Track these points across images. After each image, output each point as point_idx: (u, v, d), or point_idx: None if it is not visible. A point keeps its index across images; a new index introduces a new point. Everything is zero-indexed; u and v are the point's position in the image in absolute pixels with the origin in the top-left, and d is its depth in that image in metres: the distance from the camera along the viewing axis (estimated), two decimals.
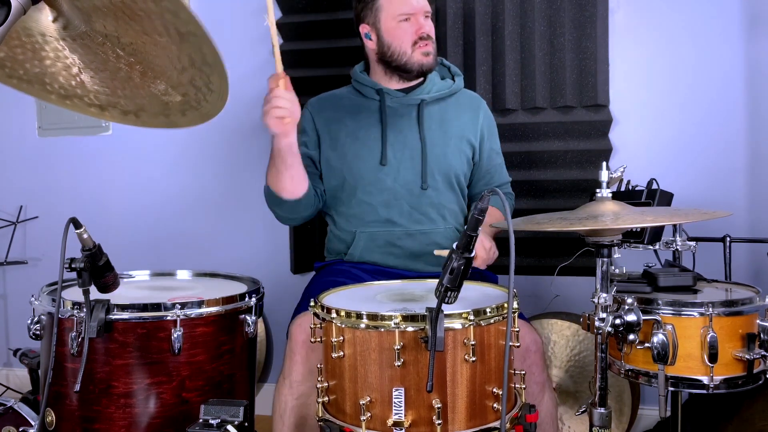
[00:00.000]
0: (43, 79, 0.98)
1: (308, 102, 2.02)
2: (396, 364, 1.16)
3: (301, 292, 1.96)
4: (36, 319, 1.53)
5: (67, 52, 0.94)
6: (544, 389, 1.68)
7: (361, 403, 1.18)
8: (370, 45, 1.93)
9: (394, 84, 1.94)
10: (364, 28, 1.93)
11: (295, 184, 1.80)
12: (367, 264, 1.89)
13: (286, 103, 1.61)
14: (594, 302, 1.35)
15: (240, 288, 1.68)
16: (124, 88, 0.99)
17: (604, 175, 1.39)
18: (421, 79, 1.95)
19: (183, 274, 1.88)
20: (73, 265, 1.33)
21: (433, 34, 1.89)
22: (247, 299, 1.58)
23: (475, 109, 1.99)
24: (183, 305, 1.46)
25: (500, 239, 2.35)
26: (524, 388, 1.32)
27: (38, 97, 1.02)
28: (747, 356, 1.46)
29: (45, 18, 0.88)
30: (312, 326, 1.30)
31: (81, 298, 1.39)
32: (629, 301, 1.37)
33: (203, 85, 0.95)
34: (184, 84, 0.96)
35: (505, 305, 1.24)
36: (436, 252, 1.64)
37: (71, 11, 0.87)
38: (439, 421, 1.16)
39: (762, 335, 1.48)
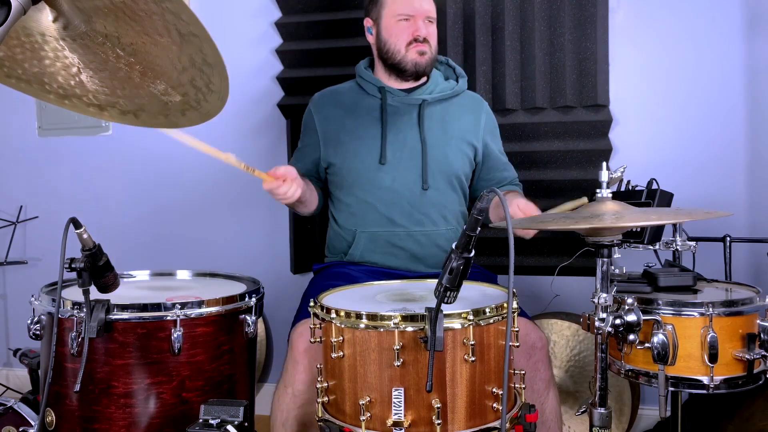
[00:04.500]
0: (42, 78, 0.98)
1: (312, 98, 2.04)
2: (395, 364, 1.16)
3: (301, 292, 1.96)
4: (36, 319, 1.52)
5: (67, 51, 0.93)
6: (549, 386, 1.68)
7: (360, 403, 1.18)
8: (371, 40, 1.96)
9: (395, 83, 1.94)
10: (367, 22, 1.96)
11: (309, 207, 1.96)
12: (367, 265, 1.89)
13: (283, 192, 1.71)
14: (594, 302, 1.35)
15: (240, 288, 1.68)
16: (123, 87, 0.99)
17: (604, 176, 1.38)
18: (424, 79, 1.95)
19: (183, 274, 1.88)
20: (73, 265, 1.33)
21: (432, 40, 1.90)
22: (247, 299, 1.58)
23: (477, 111, 1.99)
24: (183, 305, 1.46)
25: (501, 239, 2.36)
26: (524, 388, 1.32)
27: (37, 96, 1.02)
28: (747, 356, 1.46)
29: (45, 18, 0.88)
30: (312, 326, 1.30)
31: (81, 298, 1.39)
32: (629, 301, 1.37)
33: (203, 85, 0.94)
34: (184, 84, 0.95)
35: (505, 305, 1.24)
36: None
37: (71, 11, 0.86)
38: (439, 421, 1.16)
39: (762, 335, 1.48)
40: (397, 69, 1.90)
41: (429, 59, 1.90)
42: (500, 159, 2.02)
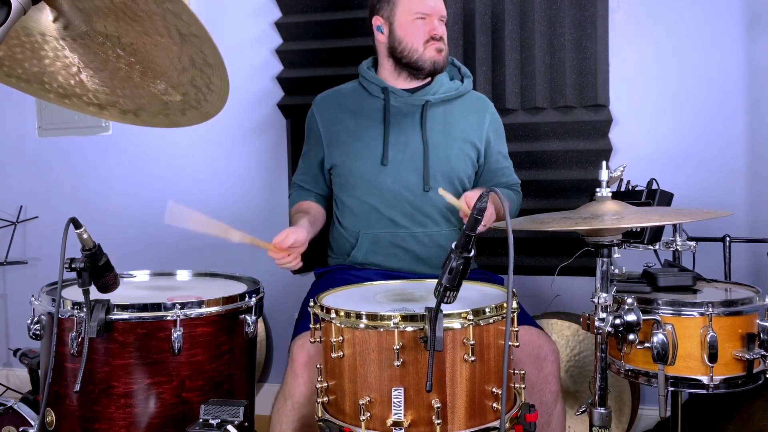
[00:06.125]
0: (42, 78, 0.98)
1: (314, 100, 2.03)
2: (395, 364, 1.16)
3: (301, 291, 1.96)
4: (36, 319, 1.52)
5: (67, 51, 0.93)
6: (558, 399, 1.67)
7: (360, 403, 1.18)
8: (381, 38, 1.92)
9: (401, 82, 1.93)
10: (377, 21, 1.92)
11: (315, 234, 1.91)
12: (370, 269, 1.88)
13: (287, 262, 1.73)
14: (594, 302, 1.35)
15: (240, 288, 1.68)
16: (123, 87, 0.99)
17: (603, 175, 1.39)
18: (429, 79, 1.95)
19: (183, 274, 1.88)
20: (73, 265, 1.33)
21: (445, 38, 1.90)
22: (247, 299, 1.58)
23: (481, 111, 1.97)
24: (183, 305, 1.46)
25: (500, 239, 2.36)
26: (524, 388, 1.32)
27: (37, 96, 1.02)
28: (747, 356, 1.46)
29: (45, 18, 0.88)
30: (312, 326, 1.30)
31: (81, 298, 1.39)
32: (629, 301, 1.37)
33: (204, 85, 0.95)
34: (185, 84, 0.96)
35: (505, 305, 1.24)
36: (441, 191, 1.65)
37: (72, 11, 0.87)
38: (439, 421, 1.16)
39: (762, 335, 1.48)
40: (413, 67, 1.89)
41: (446, 57, 1.90)
42: (499, 163, 2.00)
